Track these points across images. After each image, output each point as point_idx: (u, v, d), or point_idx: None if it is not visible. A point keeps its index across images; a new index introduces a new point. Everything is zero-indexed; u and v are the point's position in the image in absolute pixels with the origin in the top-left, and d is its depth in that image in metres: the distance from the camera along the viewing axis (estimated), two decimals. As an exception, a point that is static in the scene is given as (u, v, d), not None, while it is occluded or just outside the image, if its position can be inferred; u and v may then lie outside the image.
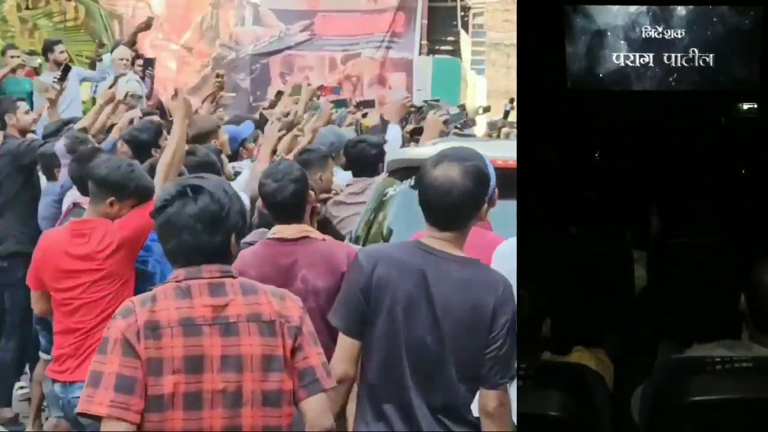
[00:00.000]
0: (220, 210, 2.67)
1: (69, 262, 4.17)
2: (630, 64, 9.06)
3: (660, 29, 8.85)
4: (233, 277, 2.70)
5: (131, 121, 6.51)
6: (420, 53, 18.51)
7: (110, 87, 7.25)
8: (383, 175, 5.50)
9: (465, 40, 20.13)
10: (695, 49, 8.85)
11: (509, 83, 29.94)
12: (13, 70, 9.14)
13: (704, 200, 5.63)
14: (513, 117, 11.38)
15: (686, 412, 2.83)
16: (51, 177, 5.99)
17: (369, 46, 18.59)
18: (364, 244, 4.79)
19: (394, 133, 6.85)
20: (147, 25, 10.20)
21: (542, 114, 7.35)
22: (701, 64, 8.85)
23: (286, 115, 6.26)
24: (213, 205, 2.66)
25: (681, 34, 8.84)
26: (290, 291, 2.85)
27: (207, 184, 2.70)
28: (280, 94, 10.53)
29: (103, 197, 4.21)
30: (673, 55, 8.89)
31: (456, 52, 19.50)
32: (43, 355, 5.74)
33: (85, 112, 9.24)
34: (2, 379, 6.42)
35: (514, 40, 32.49)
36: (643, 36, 8.96)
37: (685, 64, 8.91)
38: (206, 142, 6.09)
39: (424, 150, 5.20)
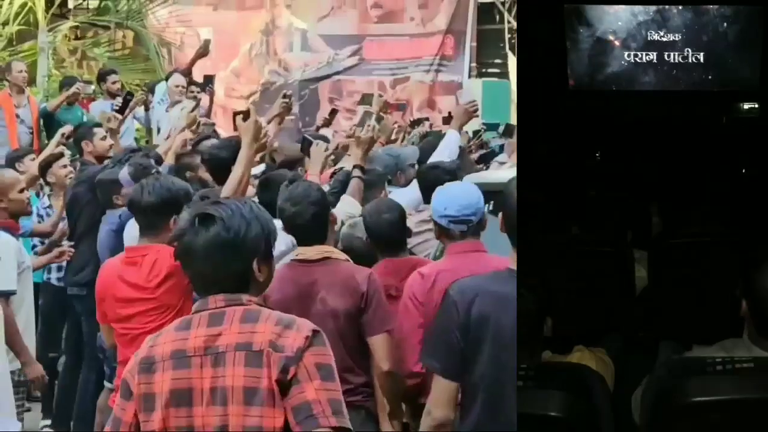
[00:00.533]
0: (233, 238, 2.55)
1: (124, 290, 4.12)
2: (632, 64, 9.08)
3: (661, 30, 8.86)
4: (241, 304, 2.55)
5: (184, 143, 6.45)
6: (470, 76, 18.55)
7: (189, 110, 7.13)
8: None
9: (513, 62, 20.31)
10: (695, 49, 8.87)
11: None
12: (71, 102, 9.24)
13: (705, 200, 5.61)
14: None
15: (686, 412, 2.81)
16: (110, 205, 5.89)
17: (418, 70, 18.63)
18: None
19: (452, 139, 6.42)
20: (205, 50, 10.10)
21: (543, 113, 7.36)
22: (702, 63, 8.87)
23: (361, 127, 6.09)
24: (225, 234, 2.54)
25: (681, 34, 8.85)
26: (311, 313, 2.72)
27: (220, 211, 2.57)
28: (334, 112, 10.63)
29: (161, 219, 4.14)
30: (673, 54, 8.90)
31: (504, 74, 19.45)
32: (107, 384, 5.71)
33: (137, 140, 9.48)
34: (85, 412, 6.25)
35: None
36: (645, 36, 8.96)
37: (684, 63, 8.92)
38: (293, 170, 5.99)
39: (499, 173, 5.04)
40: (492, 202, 4.56)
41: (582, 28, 9.02)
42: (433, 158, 6.22)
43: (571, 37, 8.93)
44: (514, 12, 19.92)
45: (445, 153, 6.36)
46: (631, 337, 4.79)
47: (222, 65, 18.11)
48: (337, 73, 18.77)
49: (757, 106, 9.31)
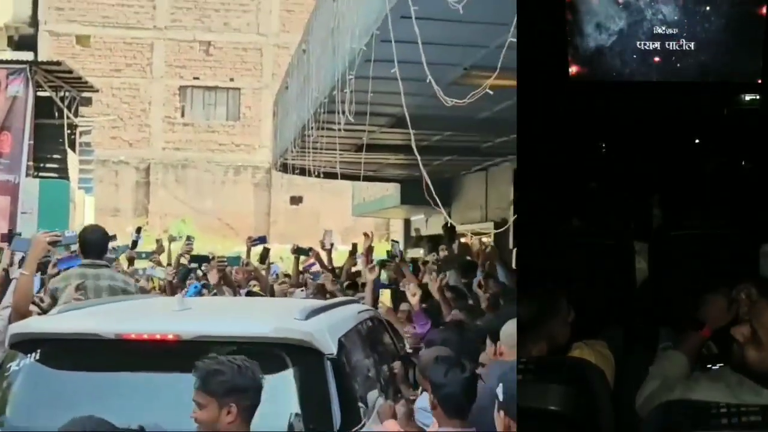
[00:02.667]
0: None
1: None
2: (633, 56, 9.06)
3: (663, 20, 8.84)
4: None
5: None
6: (27, 174, 17.99)
7: None
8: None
9: (72, 159, 19.95)
10: (696, 41, 8.84)
11: (118, 200, 30.87)
12: None
13: (706, 192, 5.62)
14: (140, 247, 11.10)
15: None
16: None
17: None
18: None
19: None
20: None
21: (544, 106, 7.34)
22: (702, 54, 8.85)
23: None
24: None
25: (684, 25, 8.83)
26: None
27: None
28: None
29: None
30: (674, 44, 8.89)
31: (63, 170, 19.36)
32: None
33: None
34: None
35: (122, 157, 33.79)
36: (646, 27, 8.94)
37: (686, 55, 8.90)
38: None
39: (51, 323, 4.71)
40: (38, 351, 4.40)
41: (583, 16, 9.00)
42: None
43: (572, 28, 8.91)
44: (74, 108, 19.75)
45: None
46: (632, 329, 4.78)
47: None
48: None
49: (758, 97, 9.25)
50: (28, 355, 4.42)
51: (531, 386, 2.99)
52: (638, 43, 8.95)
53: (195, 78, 32.76)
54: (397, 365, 5.17)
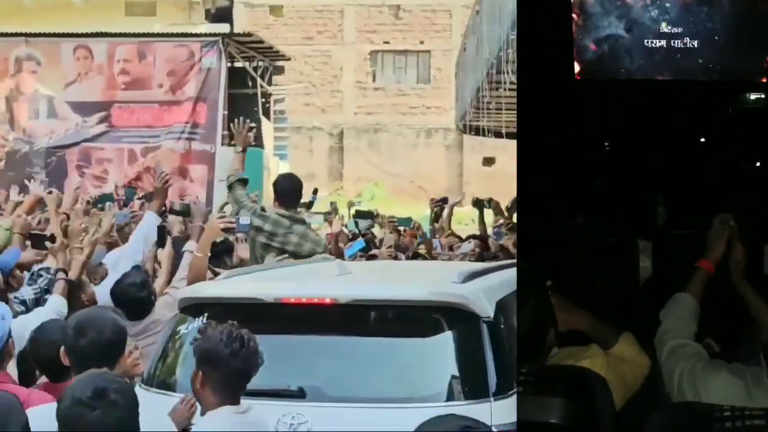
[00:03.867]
0: None
1: None
2: (637, 54, 8.71)
3: (668, 19, 8.45)
4: None
5: None
6: (222, 144, 18.13)
7: None
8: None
9: (267, 127, 19.99)
10: (701, 39, 8.40)
11: (313, 166, 30.13)
12: None
13: (710, 191, 5.39)
14: (316, 207, 10.88)
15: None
16: None
17: (169, 138, 18.37)
18: (153, 384, 4.55)
19: (147, 221, 6.50)
20: None
21: (547, 103, 7.20)
22: (707, 53, 8.41)
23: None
24: None
25: (689, 25, 8.40)
26: None
27: None
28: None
29: None
30: (678, 42, 8.46)
31: (258, 138, 19.28)
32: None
33: None
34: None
35: (316, 123, 32.83)
36: (651, 25, 8.58)
37: (690, 53, 8.51)
38: None
39: (216, 288, 4.95)
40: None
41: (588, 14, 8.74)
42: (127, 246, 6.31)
43: (579, 26, 8.69)
44: (267, 77, 19.17)
45: (139, 238, 6.32)
46: (636, 328, 4.61)
47: (-33, 133, 18.17)
48: (86, 140, 18.55)
49: (763, 96, 8.83)
50: (196, 318, 4.59)
51: (531, 398, 2.91)
52: (644, 41, 8.58)
53: (385, 42, 33.03)
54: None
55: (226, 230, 5.98)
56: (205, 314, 4.57)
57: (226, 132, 18.31)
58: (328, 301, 4.43)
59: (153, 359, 4.64)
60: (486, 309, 4.31)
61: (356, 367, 4.25)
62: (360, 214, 9.44)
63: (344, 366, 4.34)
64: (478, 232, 9.83)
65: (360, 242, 8.07)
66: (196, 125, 18.50)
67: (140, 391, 4.28)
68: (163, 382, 4.53)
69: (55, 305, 5.22)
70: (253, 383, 3.94)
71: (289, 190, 6.51)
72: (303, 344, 4.47)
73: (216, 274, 5.76)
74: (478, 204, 9.64)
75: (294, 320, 4.47)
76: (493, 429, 3.56)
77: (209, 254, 5.92)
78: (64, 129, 18.74)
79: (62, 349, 3.74)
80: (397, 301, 4.45)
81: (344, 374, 4.30)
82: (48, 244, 5.96)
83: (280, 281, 5.05)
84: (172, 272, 6.09)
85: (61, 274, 5.43)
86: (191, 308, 4.66)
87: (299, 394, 4.19)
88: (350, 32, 33.09)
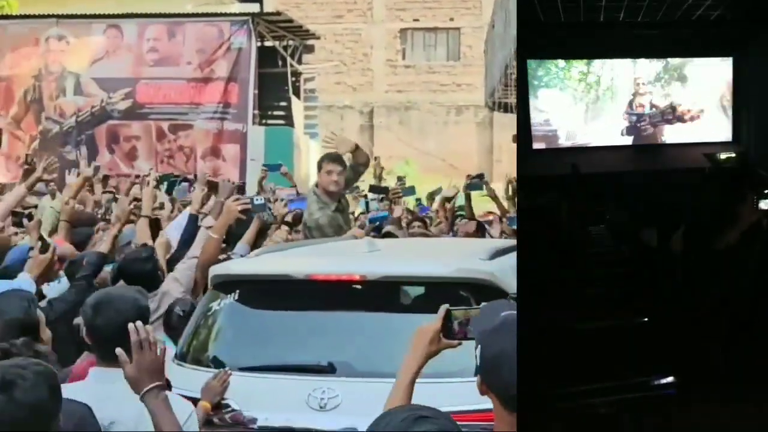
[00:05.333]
0: None
1: None
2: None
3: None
4: None
5: None
6: (253, 123, 18.37)
7: None
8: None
9: (297, 106, 19.96)
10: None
11: None
12: None
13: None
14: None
15: None
16: None
17: (201, 117, 18.40)
18: (186, 360, 4.60)
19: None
20: None
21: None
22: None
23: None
24: None
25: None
26: None
27: None
28: None
29: None
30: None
31: (288, 117, 19.52)
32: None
33: None
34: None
35: (347, 101, 32.44)
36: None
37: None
38: None
39: (248, 264, 5.00)
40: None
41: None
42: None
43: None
44: (297, 56, 19.01)
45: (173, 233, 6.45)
46: None
47: (3, 112, 18.57)
48: (111, 117, 18.52)
49: (733, 155, 10.42)
50: (228, 295, 4.67)
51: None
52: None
53: (415, 20, 32.92)
54: None
55: (243, 212, 6.04)
56: (237, 291, 4.65)
57: (256, 111, 18.39)
58: (357, 277, 4.50)
59: (185, 336, 4.72)
60: (512, 285, 4.36)
61: (385, 343, 4.31)
62: (374, 189, 9.53)
63: (373, 342, 4.40)
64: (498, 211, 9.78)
65: (385, 212, 8.20)
66: (228, 105, 18.60)
67: (173, 366, 4.37)
68: (196, 358, 4.61)
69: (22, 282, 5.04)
70: (284, 359, 3.99)
71: None
72: (333, 320, 4.54)
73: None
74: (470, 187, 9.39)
75: (324, 297, 4.53)
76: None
77: (224, 236, 6.01)
78: (90, 106, 18.92)
79: (83, 328, 3.76)
80: (425, 277, 4.51)
81: (373, 350, 4.36)
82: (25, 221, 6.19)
83: (310, 258, 5.12)
84: (171, 261, 6.14)
85: (32, 252, 5.39)
86: (223, 285, 4.74)
87: (329, 370, 4.26)
88: (380, 10, 33.00)
